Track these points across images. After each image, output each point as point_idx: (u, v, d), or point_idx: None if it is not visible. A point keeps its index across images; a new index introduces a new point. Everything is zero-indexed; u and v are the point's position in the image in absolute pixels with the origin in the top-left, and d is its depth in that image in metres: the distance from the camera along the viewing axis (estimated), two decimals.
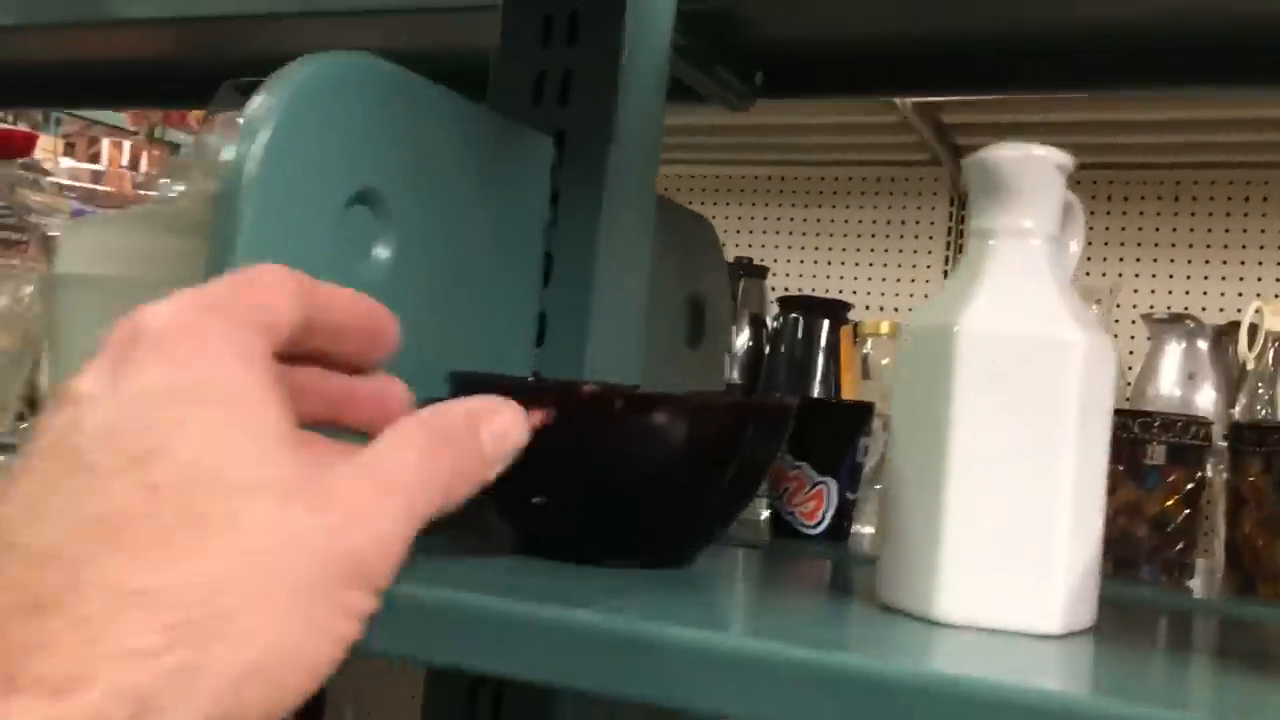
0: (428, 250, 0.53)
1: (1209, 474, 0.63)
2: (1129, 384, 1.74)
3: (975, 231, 0.47)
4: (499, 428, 0.34)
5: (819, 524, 0.67)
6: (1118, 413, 0.62)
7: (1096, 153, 1.84)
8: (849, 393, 1.89)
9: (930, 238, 2.08)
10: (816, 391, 1.88)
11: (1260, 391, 1.62)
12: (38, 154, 3.12)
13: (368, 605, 0.28)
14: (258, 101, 0.46)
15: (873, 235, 2.12)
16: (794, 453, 0.68)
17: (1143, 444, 0.61)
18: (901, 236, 2.10)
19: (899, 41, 0.84)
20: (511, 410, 0.34)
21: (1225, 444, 0.63)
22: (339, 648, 0.28)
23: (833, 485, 0.67)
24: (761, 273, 2.05)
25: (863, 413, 0.69)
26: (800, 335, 1.91)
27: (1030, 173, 0.45)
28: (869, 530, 0.74)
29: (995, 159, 0.45)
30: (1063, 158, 0.46)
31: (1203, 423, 0.62)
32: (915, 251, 2.09)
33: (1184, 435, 0.61)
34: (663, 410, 0.45)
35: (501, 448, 0.34)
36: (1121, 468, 0.62)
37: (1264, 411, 1.61)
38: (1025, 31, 0.79)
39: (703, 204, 2.23)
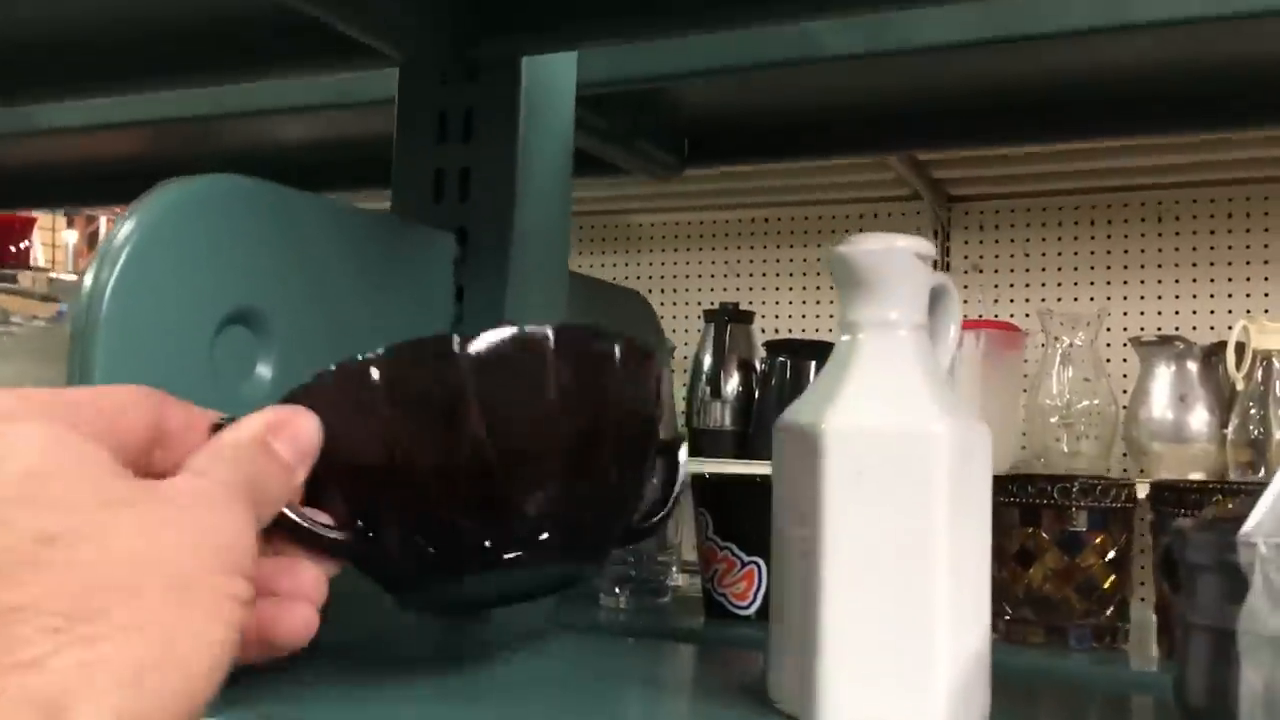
0: (320, 363, 0.54)
1: (1135, 536, 0.63)
2: (1124, 408, 1.72)
3: (843, 325, 0.46)
4: (290, 433, 0.37)
5: (751, 604, 0.67)
6: (1036, 479, 0.62)
7: (1079, 177, 1.83)
8: None
9: None
10: None
11: (1252, 410, 1.60)
12: (39, 230, 3.17)
13: (241, 588, 0.30)
14: (117, 231, 0.46)
15: None
16: (721, 533, 0.67)
17: (1065, 510, 0.61)
18: None
19: (829, 104, 0.84)
20: (300, 414, 0.38)
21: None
22: (229, 630, 0.29)
23: (762, 565, 0.66)
24: (748, 318, 2.05)
25: None
26: (789, 378, 1.91)
27: (891, 265, 0.45)
28: None
29: (855, 254, 0.45)
30: (923, 246, 0.45)
31: (1123, 484, 0.61)
32: None
33: (1105, 499, 0.60)
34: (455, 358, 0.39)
35: (298, 447, 0.37)
36: (1045, 535, 0.61)
37: (1256, 431, 1.59)
38: (949, 89, 0.80)
39: (687, 250, 2.24)
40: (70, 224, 3.06)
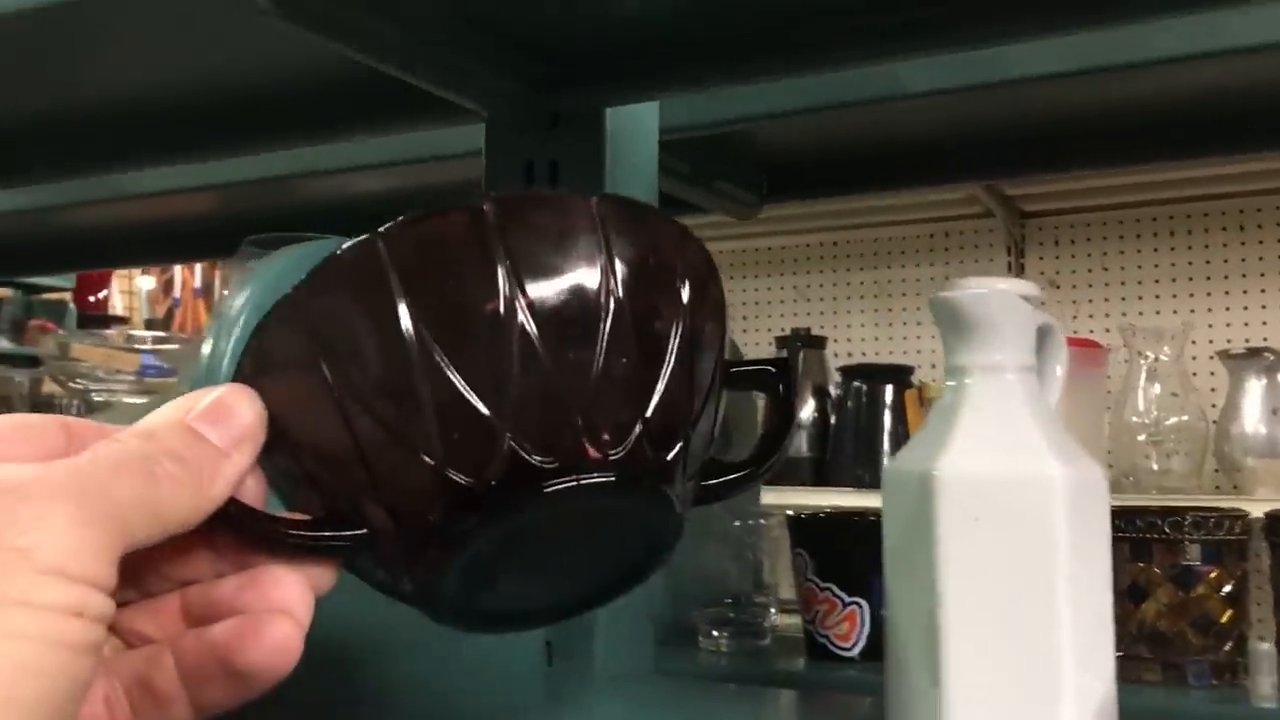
0: None
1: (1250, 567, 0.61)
2: (1214, 423, 1.68)
3: (950, 370, 0.46)
4: (216, 412, 0.29)
5: (854, 645, 0.66)
6: (1147, 511, 0.61)
7: (1156, 189, 1.80)
8: None
9: None
10: (886, 460, 1.85)
11: None
12: (116, 277, 3.24)
13: (69, 596, 0.25)
14: (233, 298, 0.47)
15: (931, 293, 2.10)
16: (821, 574, 0.67)
17: (1177, 544, 0.60)
18: None
19: (906, 136, 0.84)
20: (232, 391, 0.30)
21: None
22: (77, 650, 0.25)
23: (864, 605, 0.66)
24: (820, 343, 2.04)
25: None
26: (865, 403, 1.90)
27: (995, 308, 0.45)
28: None
29: (958, 299, 0.45)
30: (1028, 288, 0.45)
31: (1236, 515, 0.60)
32: None
33: (1219, 531, 0.59)
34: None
35: (231, 427, 0.29)
36: (1157, 570, 0.60)
37: None
38: (1029, 118, 0.79)
39: (756, 276, 2.24)
40: (144, 271, 3.15)
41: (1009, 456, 0.43)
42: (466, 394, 0.29)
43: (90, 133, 0.80)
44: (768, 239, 2.21)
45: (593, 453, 0.30)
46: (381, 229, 0.29)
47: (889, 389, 1.87)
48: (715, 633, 0.72)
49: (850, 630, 0.66)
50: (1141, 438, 1.65)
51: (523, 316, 0.29)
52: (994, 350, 0.45)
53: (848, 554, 0.66)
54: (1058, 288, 1.98)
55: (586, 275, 0.30)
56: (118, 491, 0.27)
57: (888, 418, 1.87)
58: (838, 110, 0.70)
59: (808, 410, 1.94)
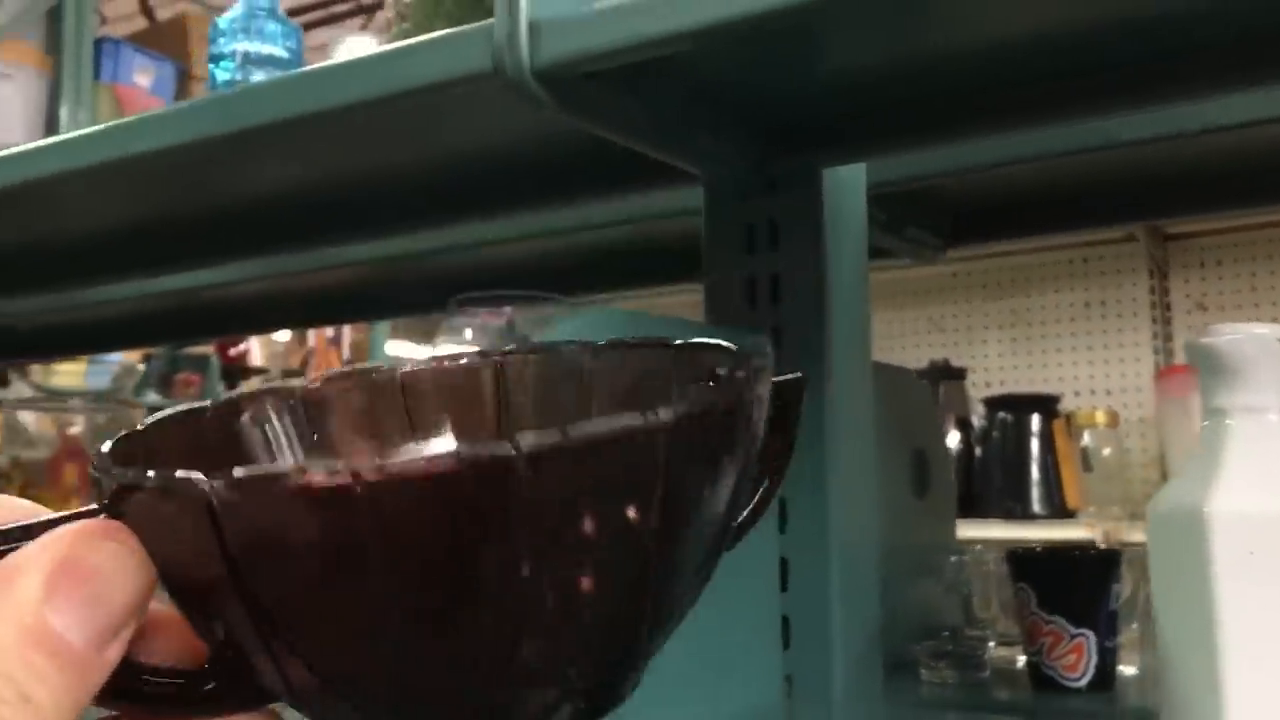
0: None
1: None
2: None
3: (1210, 411, 0.49)
4: (79, 588, 0.22)
5: (1082, 676, 0.69)
6: None
7: None
8: (1070, 489, 1.86)
9: (1134, 314, 2.04)
10: (1036, 491, 1.86)
11: None
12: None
13: None
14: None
15: (1072, 319, 2.09)
16: (1046, 606, 0.70)
17: None
18: (1104, 317, 2.07)
19: (1083, 178, 0.87)
20: (95, 547, 0.22)
21: None
22: None
23: (1091, 636, 0.69)
24: (960, 374, 2.05)
25: (1112, 560, 0.70)
26: (1011, 434, 1.90)
27: (1253, 352, 0.48)
28: (1132, 671, 0.75)
29: (1217, 346, 0.48)
30: None
31: None
32: (1120, 330, 2.05)
33: None
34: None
35: (95, 617, 0.22)
36: None
37: None
38: (1201, 159, 0.82)
39: (889, 309, 2.26)
40: None
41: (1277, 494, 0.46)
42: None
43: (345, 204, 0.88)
44: (899, 270, 2.23)
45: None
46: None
47: (1035, 419, 1.87)
48: (936, 664, 0.75)
49: (1078, 661, 0.69)
50: None
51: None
52: (1255, 392, 0.48)
53: (1073, 586, 0.69)
54: (1205, 310, 1.96)
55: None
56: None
57: (1035, 448, 1.88)
58: (1038, 162, 0.74)
59: (952, 441, 1.95)
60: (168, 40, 3.12)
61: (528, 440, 0.21)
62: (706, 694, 0.63)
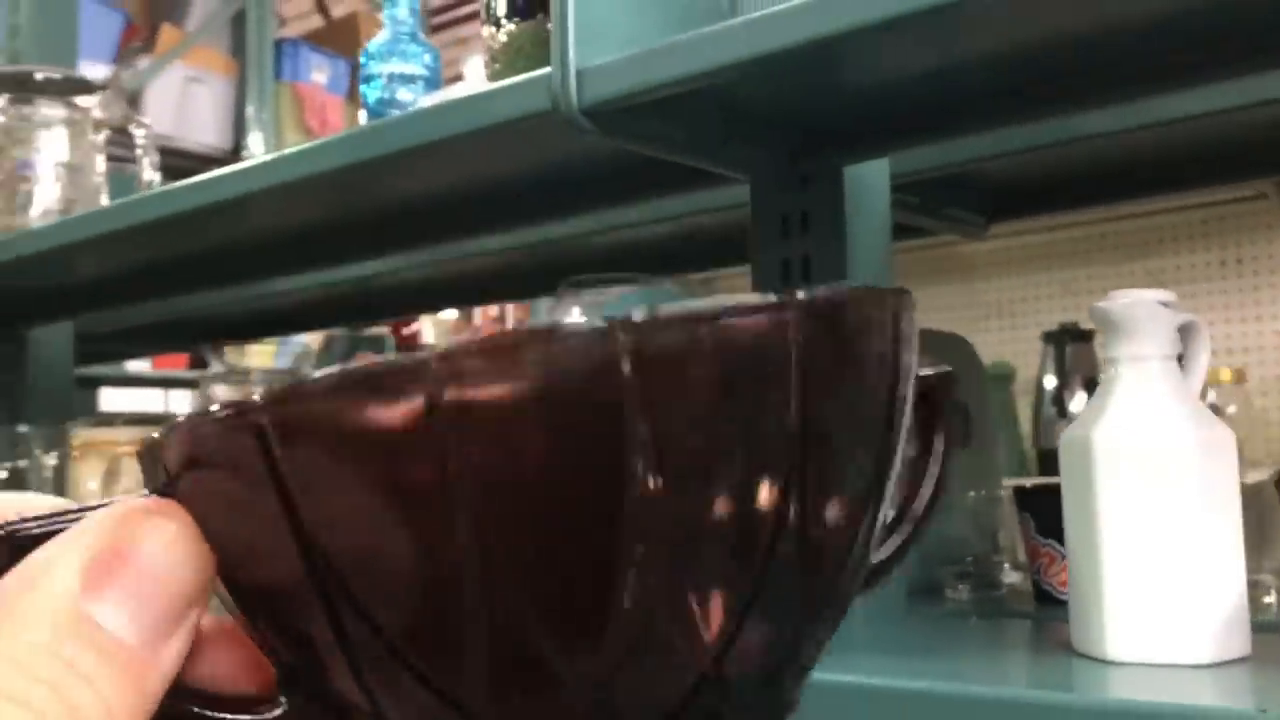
0: None
1: None
2: None
3: (1106, 361, 0.63)
4: (129, 582, 0.19)
5: None
6: None
7: None
8: None
9: (1272, 272, 2.06)
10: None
11: None
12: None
13: None
14: None
15: (1207, 279, 2.13)
16: (1043, 532, 0.84)
17: None
18: (1240, 276, 2.10)
19: (1134, 150, 0.98)
20: (150, 532, 0.20)
21: None
22: None
23: None
24: (1088, 336, 2.12)
25: None
26: None
27: (1139, 314, 0.61)
28: None
29: (1110, 308, 0.62)
30: (1166, 295, 0.62)
31: None
32: (1256, 289, 2.08)
33: None
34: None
35: (151, 610, 0.19)
36: None
37: None
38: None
39: (1019, 273, 2.34)
40: None
41: (1152, 428, 0.60)
42: (533, 645, 0.20)
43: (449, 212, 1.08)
44: (1030, 235, 2.30)
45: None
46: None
47: None
48: (958, 586, 0.89)
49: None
50: None
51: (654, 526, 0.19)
52: (1137, 345, 0.61)
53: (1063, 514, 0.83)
54: None
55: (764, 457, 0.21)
56: None
57: None
58: (1067, 146, 0.86)
59: (1077, 403, 2.03)
60: (341, 37, 3.42)
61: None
62: None
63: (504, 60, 0.82)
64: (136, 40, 2.82)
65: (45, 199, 1.22)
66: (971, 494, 0.90)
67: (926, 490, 0.28)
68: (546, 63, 0.72)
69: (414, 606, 0.20)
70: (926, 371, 0.28)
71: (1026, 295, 2.31)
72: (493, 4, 0.86)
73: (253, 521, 0.20)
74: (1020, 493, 0.86)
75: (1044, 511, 0.84)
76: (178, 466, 0.21)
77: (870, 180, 0.86)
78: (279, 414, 0.19)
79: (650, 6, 0.76)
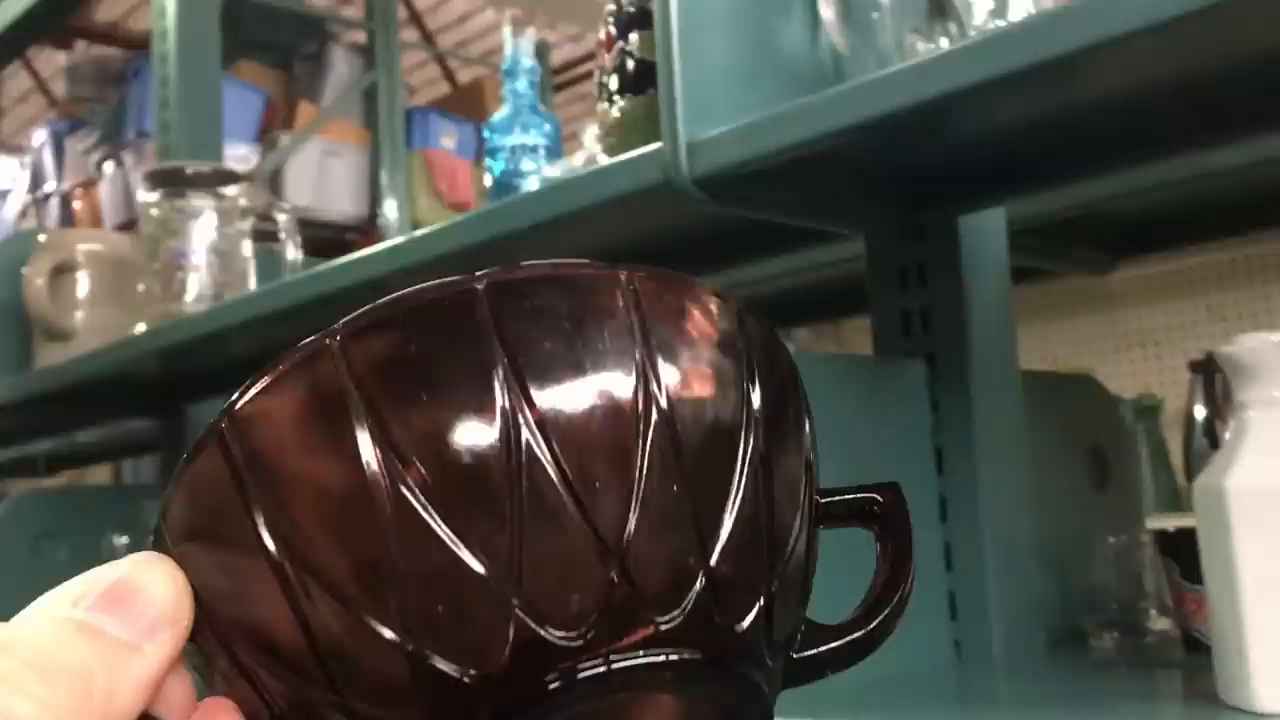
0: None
1: None
2: None
3: (1236, 405, 0.62)
4: (121, 597, 0.24)
5: None
6: None
7: None
8: None
9: None
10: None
11: None
12: None
13: None
14: None
15: None
16: (1189, 576, 0.82)
17: None
18: None
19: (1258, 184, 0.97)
20: (147, 568, 0.24)
21: None
22: None
23: None
24: None
25: None
26: None
27: (1267, 357, 0.61)
28: None
29: (1238, 352, 0.61)
30: None
31: None
32: None
33: None
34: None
35: (144, 615, 0.24)
36: None
37: None
38: None
39: (1165, 300, 2.27)
40: None
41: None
42: (456, 549, 0.22)
43: None
44: (1176, 261, 2.24)
45: (637, 623, 0.23)
46: (338, 325, 0.23)
47: None
48: (1102, 634, 0.88)
49: None
50: None
51: (529, 437, 0.22)
52: (1268, 389, 0.61)
53: None
54: None
55: (616, 376, 0.23)
56: None
57: None
58: (1188, 184, 0.86)
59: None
60: (468, 103, 3.54)
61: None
62: (884, 657, 0.81)
63: (618, 135, 0.85)
64: (276, 119, 2.98)
65: (199, 285, 1.30)
66: (1113, 539, 0.89)
67: (879, 608, 0.28)
68: (658, 136, 0.75)
69: (348, 544, 0.23)
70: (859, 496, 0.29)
71: (1170, 323, 2.24)
72: (606, 80, 0.90)
73: (223, 532, 0.24)
74: (1163, 537, 0.85)
75: (1189, 556, 0.83)
76: (167, 530, 0.25)
77: (987, 228, 0.86)
78: (233, 417, 0.23)
79: (756, 74, 0.79)
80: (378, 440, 0.22)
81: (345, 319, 0.23)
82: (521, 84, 1.29)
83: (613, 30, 0.88)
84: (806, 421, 0.27)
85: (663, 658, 0.23)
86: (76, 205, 2.79)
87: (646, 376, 0.23)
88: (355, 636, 0.22)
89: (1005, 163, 0.81)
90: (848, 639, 0.28)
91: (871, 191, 0.84)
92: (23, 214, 3.00)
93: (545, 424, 0.22)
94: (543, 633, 0.22)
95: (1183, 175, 0.88)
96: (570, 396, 0.23)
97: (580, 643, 0.22)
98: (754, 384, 0.25)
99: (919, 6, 0.78)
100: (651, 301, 0.24)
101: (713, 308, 0.25)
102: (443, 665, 0.22)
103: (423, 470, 0.22)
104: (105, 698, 0.22)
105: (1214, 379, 2.03)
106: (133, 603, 0.24)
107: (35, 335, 1.47)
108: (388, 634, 0.22)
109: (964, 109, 0.68)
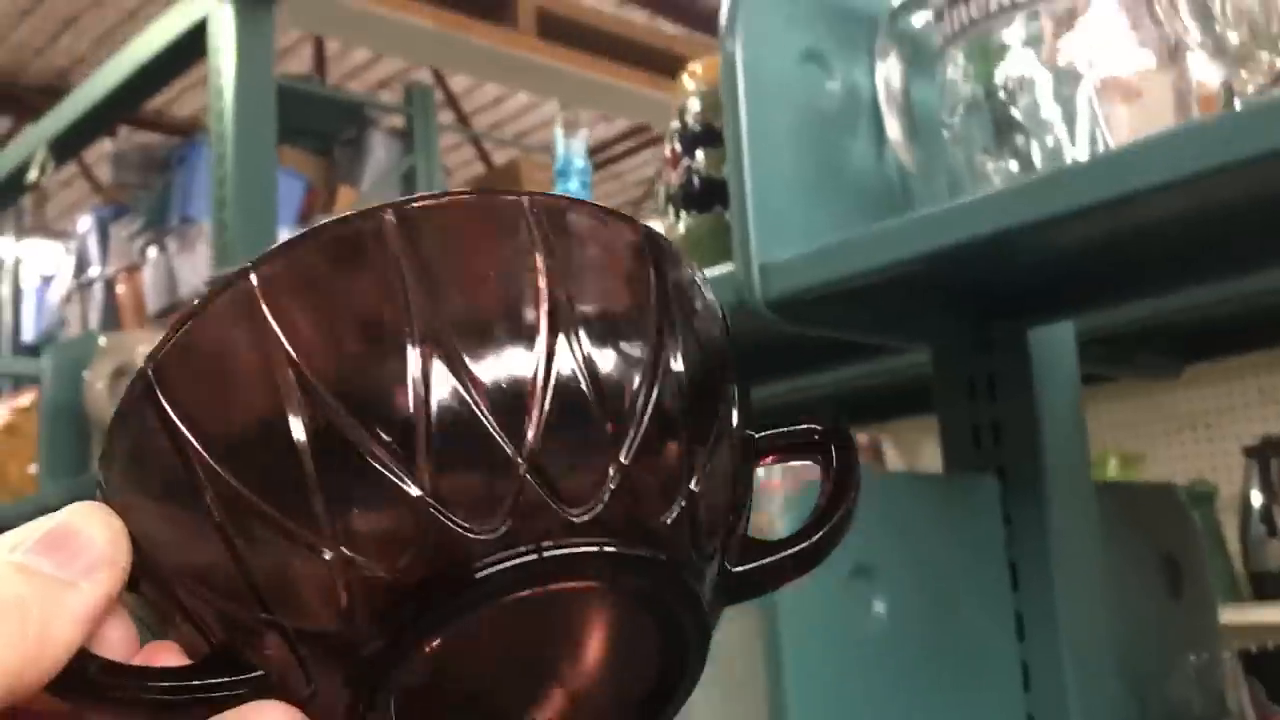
0: (915, 610, 0.77)
1: None
2: None
3: None
4: (59, 540, 0.25)
5: None
6: None
7: None
8: None
9: None
10: None
11: None
12: None
13: None
14: None
15: None
16: (1275, 697, 0.81)
17: None
18: None
19: None
20: (87, 516, 0.25)
21: None
22: None
23: None
24: None
25: None
26: None
27: None
28: None
29: None
30: None
31: None
32: None
33: None
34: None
35: (72, 554, 0.25)
36: None
37: None
38: None
39: (1214, 384, 2.25)
40: None
41: None
42: (362, 448, 0.23)
43: None
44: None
45: (554, 516, 0.24)
46: (255, 256, 0.25)
47: None
48: None
49: None
50: None
51: (435, 338, 0.24)
52: None
53: None
54: None
55: (512, 278, 0.25)
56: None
57: None
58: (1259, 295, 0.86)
59: None
60: (503, 184, 3.59)
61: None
62: None
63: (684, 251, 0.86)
64: (317, 203, 3.03)
65: None
66: (1193, 657, 0.87)
67: (823, 521, 0.29)
68: (723, 253, 0.76)
69: (259, 448, 0.24)
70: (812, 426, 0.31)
71: (1222, 406, 2.22)
72: (670, 193, 0.91)
73: (154, 473, 0.25)
74: (1245, 656, 0.83)
75: (1275, 676, 0.81)
76: (105, 481, 0.27)
77: (1056, 339, 0.86)
78: (157, 359, 0.25)
79: (824, 192, 0.80)
80: (291, 363, 0.23)
81: (258, 255, 0.25)
82: (574, 184, 1.31)
83: (678, 147, 0.89)
84: (725, 333, 0.29)
85: (593, 549, 0.24)
86: (120, 290, 2.83)
87: (550, 279, 0.25)
88: (275, 547, 0.23)
89: (1074, 279, 0.82)
90: (790, 552, 0.28)
91: (941, 308, 0.84)
92: (67, 299, 3.05)
93: (452, 324, 0.24)
94: (456, 526, 0.23)
95: (1249, 287, 0.88)
96: (475, 307, 0.24)
97: (496, 535, 0.23)
98: (662, 298, 0.26)
99: (985, 124, 0.79)
100: (554, 218, 0.26)
101: (617, 223, 0.27)
102: (363, 570, 0.23)
103: (338, 389, 0.23)
104: (40, 627, 0.23)
105: (1269, 464, 2.01)
106: (68, 544, 0.25)
107: (94, 438, 1.48)
108: (306, 544, 0.23)
109: (1034, 237, 0.69)
